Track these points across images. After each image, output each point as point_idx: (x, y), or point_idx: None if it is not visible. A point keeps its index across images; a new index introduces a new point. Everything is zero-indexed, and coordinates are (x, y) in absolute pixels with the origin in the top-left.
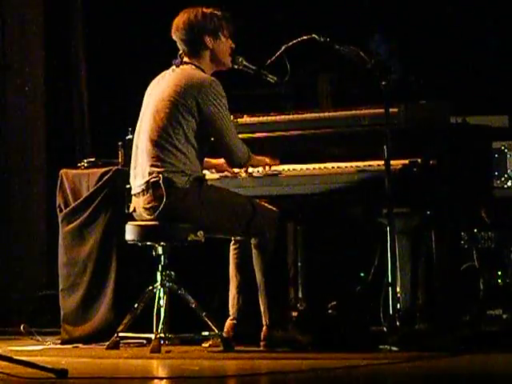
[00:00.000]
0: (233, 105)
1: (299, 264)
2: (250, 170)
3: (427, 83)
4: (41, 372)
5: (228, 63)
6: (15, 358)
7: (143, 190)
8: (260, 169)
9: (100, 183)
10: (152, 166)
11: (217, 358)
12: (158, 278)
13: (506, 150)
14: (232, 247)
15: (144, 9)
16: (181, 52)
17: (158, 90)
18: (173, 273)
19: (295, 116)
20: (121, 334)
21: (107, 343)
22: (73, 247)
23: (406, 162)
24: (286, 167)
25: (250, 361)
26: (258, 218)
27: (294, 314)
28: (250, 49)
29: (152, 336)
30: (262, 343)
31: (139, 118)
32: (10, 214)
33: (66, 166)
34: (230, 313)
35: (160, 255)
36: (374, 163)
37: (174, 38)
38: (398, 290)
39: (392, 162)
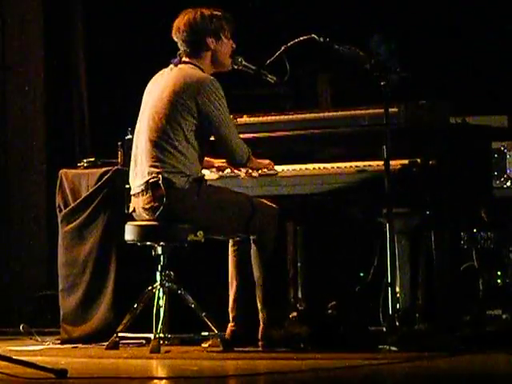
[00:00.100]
0: (233, 105)
1: (299, 264)
2: (250, 170)
3: (427, 83)
4: (40, 372)
5: (228, 65)
6: (15, 358)
7: (143, 191)
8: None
9: (99, 183)
10: (151, 166)
11: (216, 358)
12: (158, 278)
13: (505, 150)
14: (231, 248)
15: (144, 9)
16: (180, 51)
17: (157, 90)
18: (172, 273)
19: (295, 116)
20: (120, 334)
21: (107, 343)
22: (72, 247)
23: (406, 162)
24: (285, 167)
25: (250, 361)
26: (257, 215)
27: (294, 313)
28: (250, 49)
29: (151, 336)
30: (260, 343)
31: (138, 118)
32: (10, 214)
33: (65, 166)
34: (230, 317)
35: (159, 255)
36: (374, 163)
37: (174, 38)
38: (397, 290)
39: (391, 162)
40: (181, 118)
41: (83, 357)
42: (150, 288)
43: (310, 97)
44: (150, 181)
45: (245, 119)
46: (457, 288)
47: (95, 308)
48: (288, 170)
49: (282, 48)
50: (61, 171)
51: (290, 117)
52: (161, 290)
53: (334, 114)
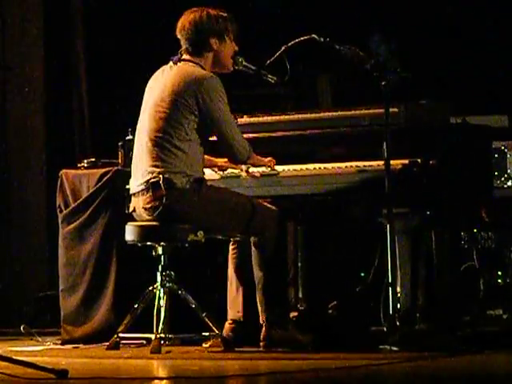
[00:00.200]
0: (233, 105)
1: (299, 264)
2: (251, 169)
3: (427, 83)
4: (41, 372)
5: (229, 66)
6: (15, 358)
7: (143, 190)
8: (260, 169)
9: (100, 184)
10: (152, 165)
11: (217, 359)
12: (158, 278)
13: (505, 150)
14: (231, 248)
15: (144, 9)
16: (182, 49)
17: (158, 88)
18: (173, 273)
19: (295, 116)
20: (121, 335)
21: (107, 343)
22: (73, 248)
23: (406, 161)
24: (285, 167)
25: (250, 361)
26: (257, 217)
27: (294, 314)
28: (250, 49)
29: (152, 336)
30: (261, 343)
31: (139, 117)
32: (10, 215)
33: (66, 167)
34: (228, 316)
35: (160, 255)
36: (374, 163)
37: (178, 36)
38: (398, 289)
39: (392, 162)
40: (182, 117)
41: (84, 357)
42: (150, 288)
43: (310, 97)
44: (151, 180)
45: (245, 119)
46: (457, 288)
47: (96, 308)
48: (288, 170)
49: (283, 48)
50: (61, 171)
51: (291, 117)
52: (161, 290)
53: (334, 114)
